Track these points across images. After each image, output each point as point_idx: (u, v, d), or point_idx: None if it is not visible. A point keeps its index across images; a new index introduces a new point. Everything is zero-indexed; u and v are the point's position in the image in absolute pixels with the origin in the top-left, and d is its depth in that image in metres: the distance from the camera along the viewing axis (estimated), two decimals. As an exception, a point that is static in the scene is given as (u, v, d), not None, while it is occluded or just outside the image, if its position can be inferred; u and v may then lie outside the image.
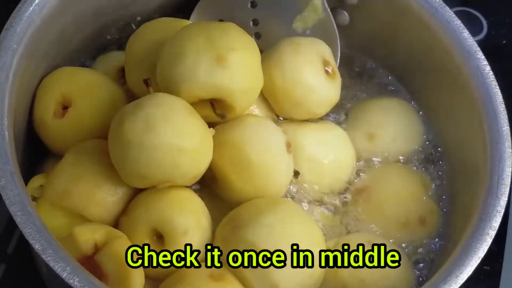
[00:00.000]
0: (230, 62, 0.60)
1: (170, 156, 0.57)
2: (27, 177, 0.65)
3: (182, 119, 0.58)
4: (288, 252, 0.58)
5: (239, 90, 0.61)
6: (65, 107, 0.66)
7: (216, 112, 0.63)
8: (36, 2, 0.63)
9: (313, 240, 0.61)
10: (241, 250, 0.59)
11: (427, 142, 0.75)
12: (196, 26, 0.64)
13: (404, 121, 0.74)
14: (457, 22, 0.69)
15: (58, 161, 0.64)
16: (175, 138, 0.57)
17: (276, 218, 0.60)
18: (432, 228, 0.68)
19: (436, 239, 0.68)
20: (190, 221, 0.60)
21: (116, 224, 0.62)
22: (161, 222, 0.60)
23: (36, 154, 0.68)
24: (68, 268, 0.50)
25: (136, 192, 0.63)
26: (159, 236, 0.61)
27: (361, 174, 0.71)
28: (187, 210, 0.61)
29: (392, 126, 0.73)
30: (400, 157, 0.73)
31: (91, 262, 0.57)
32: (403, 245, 0.67)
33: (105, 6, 0.74)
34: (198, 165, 0.60)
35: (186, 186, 0.63)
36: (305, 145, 0.68)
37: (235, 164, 0.62)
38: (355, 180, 0.70)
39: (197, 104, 0.61)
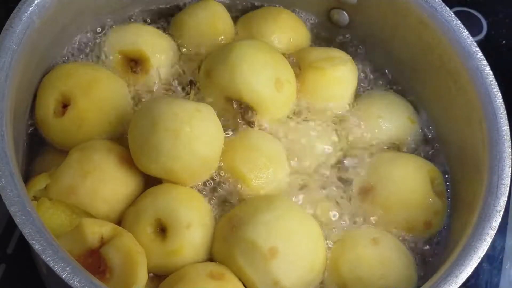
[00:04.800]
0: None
1: (194, 152, 0.61)
2: (27, 177, 0.65)
3: (216, 128, 0.64)
4: (287, 247, 0.59)
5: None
6: (65, 105, 0.66)
7: (245, 118, 0.69)
8: (35, 3, 0.63)
9: (311, 235, 0.62)
10: (241, 248, 0.59)
11: (427, 142, 0.75)
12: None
13: (387, 101, 0.75)
14: (457, 22, 0.69)
15: (59, 160, 0.64)
16: (204, 145, 0.62)
17: (273, 215, 0.61)
18: (436, 228, 0.68)
19: (436, 239, 0.68)
20: (194, 216, 0.61)
21: (119, 222, 0.63)
22: (167, 212, 0.61)
23: (36, 154, 0.68)
24: (68, 268, 0.50)
25: (142, 191, 0.64)
26: (162, 230, 0.62)
27: (358, 169, 0.71)
28: (193, 206, 0.62)
29: (376, 107, 0.74)
30: (394, 142, 0.74)
31: (95, 256, 0.57)
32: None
33: (104, 6, 0.74)
34: (208, 171, 0.65)
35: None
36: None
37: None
38: (360, 173, 0.70)
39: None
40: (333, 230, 0.67)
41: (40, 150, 0.68)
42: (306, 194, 0.68)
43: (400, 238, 0.67)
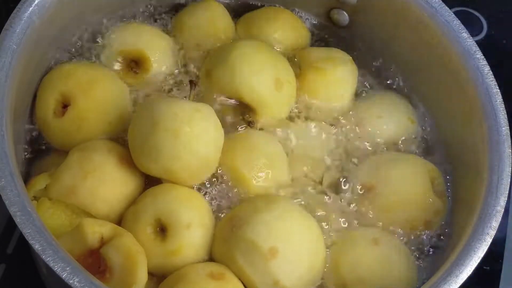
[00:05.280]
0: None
1: (194, 152, 0.61)
2: (27, 177, 0.65)
3: (216, 128, 0.63)
4: (287, 247, 0.59)
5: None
6: (65, 106, 0.66)
7: (245, 118, 0.69)
8: (35, 3, 0.63)
9: (311, 235, 0.62)
10: (241, 248, 0.59)
11: (427, 143, 0.75)
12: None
13: (387, 101, 0.75)
14: (457, 22, 0.69)
15: (59, 160, 0.64)
16: (204, 145, 0.62)
17: (273, 215, 0.61)
18: (436, 228, 0.68)
19: (436, 239, 0.68)
20: (194, 216, 0.61)
21: (119, 222, 0.63)
22: (167, 212, 0.61)
23: (36, 154, 0.68)
24: (68, 268, 0.50)
25: (142, 191, 0.64)
26: (162, 230, 0.61)
27: (358, 168, 0.71)
28: (193, 206, 0.62)
29: (376, 107, 0.74)
30: (394, 142, 0.74)
31: (95, 256, 0.57)
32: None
33: (104, 6, 0.74)
34: (208, 171, 0.64)
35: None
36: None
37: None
38: (360, 173, 0.70)
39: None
40: (333, 230, 0.67)
41: (40, 150, 0.68)
42: (306, 194, 0.68)
43: (400, 238, 0.67)
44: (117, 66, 0.72)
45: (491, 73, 0.66)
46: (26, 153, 0.67)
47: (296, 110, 0.73)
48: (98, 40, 0.74)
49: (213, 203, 0.65)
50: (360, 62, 0.78)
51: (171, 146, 0.60)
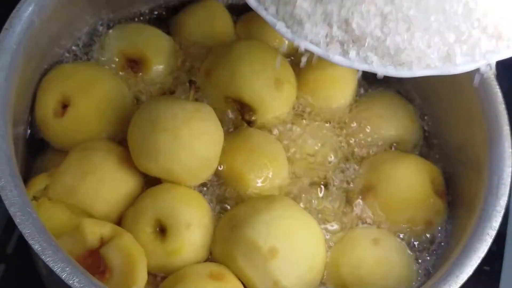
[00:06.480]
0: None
1: (194, 152, 0.62)
2: (27, 177, 0.65)
3: (215, 128, 0.64)
4: (287, 247, 0.59)
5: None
6: (65, 106, 0.66)
7: (245, 118, 0.69)
8: (35, 3, 0.63)
9: (311, 235, 0.62)
10: (241, 248, 0.59)
11: (427, 142, 0.75)
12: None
13: (386, 101, 0.75)
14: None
15: (59, 160, 0.64)
16: (204, 145, 0.62)
17: (273, 215, 0.61)
18: (437, 228, 0.68)
19: (437, 239, 0.68)
20: (194, 216, 0.61)
21: (119, 222, 0.63)
22: (166, 212, 0.61)
23: (36, 154, 0.68)
24: (67, 268, 0.50)
25: (142, 191, 0.64)
26: (162, 230, 0.62)
27: (358, 168, 0.71)
28: (193, 207, 0.62)
29: (376, 106, 0.74)
30: (394, 142, 0.74)
31: (95, 256, 0.57)
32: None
33: (104, 6, 0.74)
34: (208, 171, 0.65)
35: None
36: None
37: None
38: (360, 173, 0.70)
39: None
40: (333, 230, 0.67)
41: (40, 150, 0.68)
42: (306, 194, 0.68)
43: (401, 238, 0.67)
44: (117, 66, 0.72)
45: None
46: (26, 153, 0.67)
47: (296, 110, 0.73)
48: (98, 40, 0.74)
49: (213, 203, 0.65)
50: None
51: (171, 146, 0.60)
